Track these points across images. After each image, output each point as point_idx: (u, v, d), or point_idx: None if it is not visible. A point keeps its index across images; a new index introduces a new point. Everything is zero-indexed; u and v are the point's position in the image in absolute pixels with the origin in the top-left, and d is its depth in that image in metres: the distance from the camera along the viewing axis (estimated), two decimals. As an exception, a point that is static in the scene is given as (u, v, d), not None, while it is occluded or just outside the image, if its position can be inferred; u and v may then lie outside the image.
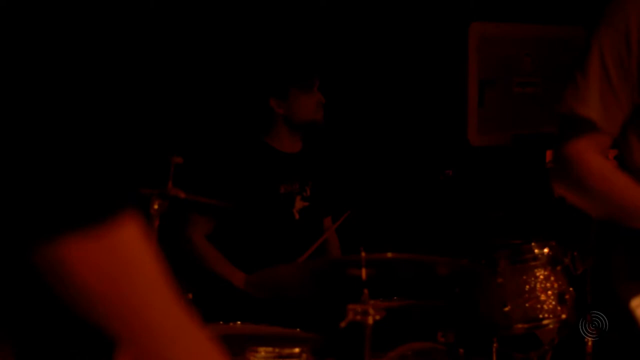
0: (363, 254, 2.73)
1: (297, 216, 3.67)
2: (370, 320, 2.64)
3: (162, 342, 1.07)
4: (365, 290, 2.72)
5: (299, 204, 3.68)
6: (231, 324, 3.10)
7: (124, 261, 1.03)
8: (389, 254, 2.75)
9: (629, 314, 1.97)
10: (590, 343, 3.47)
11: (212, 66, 4.13)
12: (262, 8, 4.23)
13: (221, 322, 3.10)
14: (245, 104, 4.00)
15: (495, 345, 3.20)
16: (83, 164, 0.97)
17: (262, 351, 2.85)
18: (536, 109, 4.82)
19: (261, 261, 3.53)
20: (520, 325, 3.08)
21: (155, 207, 2.98)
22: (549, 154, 4.19)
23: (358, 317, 2.64)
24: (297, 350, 2.89)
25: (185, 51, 4.03)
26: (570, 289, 3.16)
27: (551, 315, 3.08)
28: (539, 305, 3.09)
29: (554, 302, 3.09)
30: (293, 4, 4.32)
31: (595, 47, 2.09)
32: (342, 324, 2.63)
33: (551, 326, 3.11)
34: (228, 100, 4.14)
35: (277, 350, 2.86)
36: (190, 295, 3.05)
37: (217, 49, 4.14)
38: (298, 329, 3.06)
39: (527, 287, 3.10)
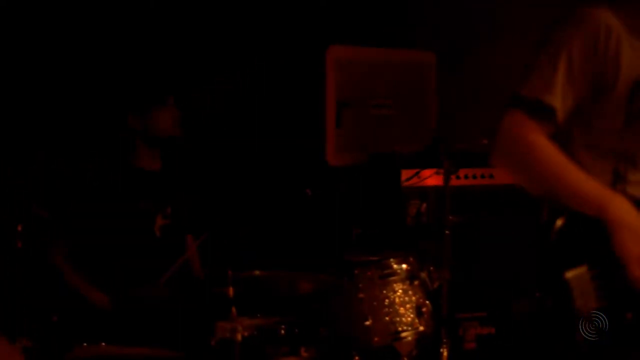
0: (230, 272, 2.79)
1: (158, 233, 3.68)
2: (239, 337, 2.70)
3: None
4: (233, 308, 2.79)
5: (160, 221, 3.70)
6: (96, 345, 3.09)
7: None
8: (257, 272, 2.82)
9: (563, 283, 2.12)
10: (445, 353, 3.64)
11: (70, 84, 4.11)
12: (115, 24, 4.23)
13: (85, 345, 3.08)
14: (104, 123, 3.99)
15: (356, 358, 3.31)
16: None
17: (130, 372, 2.86)
18: (390, 130, 4.99)
19: (124, 279, 3.53)
20: (380, 339, 3.20)
21: (19, 228, 2.94)
22: (404, 173, 4.35)
23: (227, 335, 2.70)
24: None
25: (43, 71, 3.99)
26: (427, 302, 3.31)
27: (409, 328, 3.22)
28: (398, 319, 3.22)
29: (412, 315, 3.23)
30: (149, 21, 4.34)
31: (565, 46, 2.25)
32: (212, 342, 2.68)
33: (409, 338, 3.25)
34: (88, 118, 4.12)
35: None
36: (55, 318, 3.02)
37: (70, 66, 4.11)
38: (166, 349, 3.07)
39: (387, 301, 3.23)
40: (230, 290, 2.83)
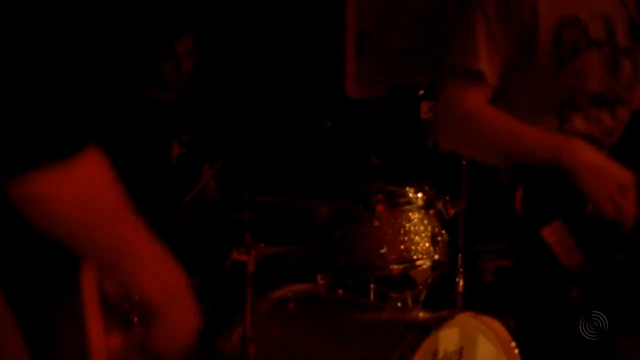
0: (245, 197, 2.81)
1: (174, 161, 3.72)
2: (252, 261, 2.73)
3: (129, 257, 1.23)
4: (247, 234, 2.81)
5: (176, 149, 3.73)
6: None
7: (89, 190, 1.18)
8: (271, 197, 2.83)
9: (542, 242, 2.09)
10: (461, 282, 3.66)
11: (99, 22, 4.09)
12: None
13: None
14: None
15: (372, 285, 3.34)
16: (50, 112, 1.12)
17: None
18: (411, 61, 4.95)
19: (140, 207, 3.57)
20: (395, 266, 3.20)
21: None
22: (423, 105, 4.33)
23: (241, 258, 2.72)
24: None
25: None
26: (443, 231, 3.31)
27: (425, 256, 3.22)
28: (413, 247, 3.23)
29: (427, 244, 3.23)
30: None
31: (478, 5, 2.20)
32: (226, 264, 2.71)
33: (424, 266, 3.25)
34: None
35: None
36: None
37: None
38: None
39: (402, 229, 3.23)
40: (246, 216, 2.84)
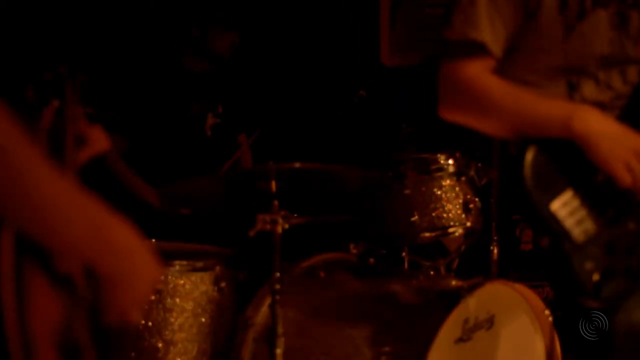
0: (271, 165, 2.78)
1: (208, 132, 3.71)
2: (279, 229, 2.70)
3: (50, 216, 1.16)
4: (275, 202, 2.79)
5: (210, 120, 3.72)
6: (145, 241, 3.11)
7: None
8: (297, 164, 2.81)
9: (551, 216, 2.02)
10: (495, 251, 3.60)
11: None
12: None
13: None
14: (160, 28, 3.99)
15: (404, 254, 3.30)
16: None
17: (177, 264, 2.90)
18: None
19: (174, 178, 3.58)
20: (427, 234, 3.17)
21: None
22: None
23: (267, 227, 2.70)
24: (210, 262, 2.94)
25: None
26: (476, 198, 3.26)
27: (457, 223, 3.18)
28: (445, 214, 3.19)
29: (459, 211, 3.19)
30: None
31: None
32: (252, 233, 2.69)
33: (457, 234, 3.21)
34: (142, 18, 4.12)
35: (191, 263, 2.90)
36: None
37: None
38: (212, 245, 3.11)
39: (434, 196, 3.19)
40: (273, 184, 2.82)
